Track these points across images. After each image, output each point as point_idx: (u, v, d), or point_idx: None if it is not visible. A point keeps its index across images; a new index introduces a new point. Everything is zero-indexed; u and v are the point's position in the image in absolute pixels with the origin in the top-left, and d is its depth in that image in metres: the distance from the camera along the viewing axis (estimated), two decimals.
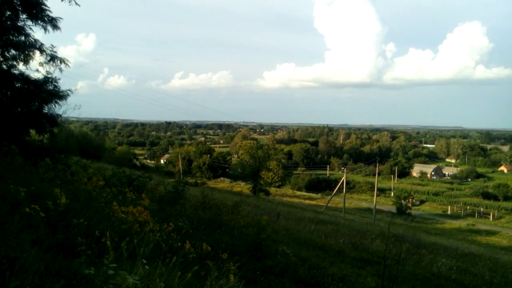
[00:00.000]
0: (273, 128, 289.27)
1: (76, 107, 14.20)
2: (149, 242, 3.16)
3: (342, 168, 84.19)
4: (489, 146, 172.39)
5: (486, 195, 76.95)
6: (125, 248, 2.93)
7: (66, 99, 10.41)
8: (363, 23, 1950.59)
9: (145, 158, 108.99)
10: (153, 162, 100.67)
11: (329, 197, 55.82)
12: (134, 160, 67.42)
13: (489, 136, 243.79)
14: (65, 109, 11.40)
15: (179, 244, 4.49)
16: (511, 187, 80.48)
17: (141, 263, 2.78)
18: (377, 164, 54.71)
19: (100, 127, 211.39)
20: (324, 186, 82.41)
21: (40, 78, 9.95)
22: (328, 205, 52.03)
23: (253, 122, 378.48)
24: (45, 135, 10.98)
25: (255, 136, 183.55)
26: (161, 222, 5.08)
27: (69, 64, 10.35)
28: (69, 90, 10.39)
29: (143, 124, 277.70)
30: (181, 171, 71.69)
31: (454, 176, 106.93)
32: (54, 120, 10.33)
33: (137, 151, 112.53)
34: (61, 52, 10.26)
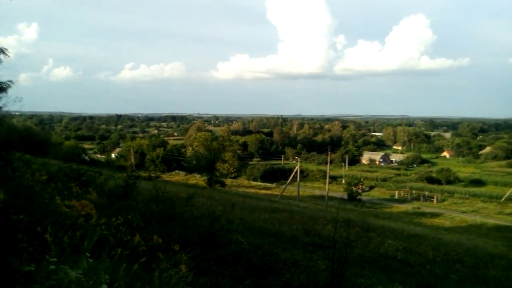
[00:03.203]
0: (228, 120, 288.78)
1: (17, 100, 13.41)
2: (93, 236, 3.08)
3: (296, 157, 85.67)
4: (432, 133, 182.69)
5: (430, 180, 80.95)
6: (68, 242, 2.84)
7: (6, 91, 9.78)
8: (314, 15, 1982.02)
9: (95, 153, 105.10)
10: (103, 156, 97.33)
11: (284, 186, 56.80)
12: (83, 155, 64.83)
13: (433, 123, 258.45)
14: (5, 102, 10.74)
15: (129, 237, 4.41)
16: (453, 172, 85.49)
17: (85, 257, 2.71)
18: (329, 152, 56.17)
19: (46, 121, 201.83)
20: (279, 175, 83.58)
21: None
22: (283, 194, 52.98)
23: (208, 114, 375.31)
24: None
25: (210, 127, 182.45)
26: (110, 216, 4.95)
27: (8, 53, 9.69)
28: (9, 81, 9.77)
29: (91, 117, 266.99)
30: (133, 165, 69.81)
31: (400, 163, 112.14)
32: None
33: (86, 145, 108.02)
34: (0, 42, 9.61)
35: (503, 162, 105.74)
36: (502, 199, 65.38)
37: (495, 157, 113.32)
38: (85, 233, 3.24)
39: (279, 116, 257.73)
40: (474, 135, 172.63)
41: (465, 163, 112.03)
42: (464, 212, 56.89)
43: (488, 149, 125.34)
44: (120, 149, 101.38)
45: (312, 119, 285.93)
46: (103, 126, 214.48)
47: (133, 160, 72.44)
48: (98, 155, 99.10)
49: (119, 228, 4.63)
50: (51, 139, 56.86)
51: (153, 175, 55.68)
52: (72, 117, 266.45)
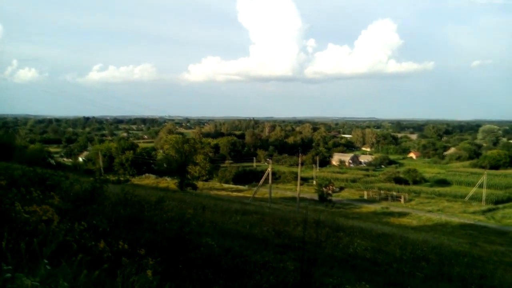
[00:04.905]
0: (199, 122, 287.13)
1: None
2: (53, 241, 2.98)
3: (268, 159, 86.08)
4: (399, 135, 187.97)
5: (398, 180, 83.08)
6: (25, 249, 2.74)
7: None
8: (285, 18, 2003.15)
9: (61, 156, 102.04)
10: (70, 160, 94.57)
11: (256, 188, 56.88)
12: (49, 158, 62.78)
13: (400, 125, 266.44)
14: None
15: (93, 243, 4.29)
16: (419, 172, 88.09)
17: (43, 264, 2.61)
18: (300, 154, 56.72)
19: (9, 124, 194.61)
20: (251, 177, 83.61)
21: None
22: (255, 196, 53.07)
23: (179, 116, 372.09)
24: None
25: (181, 130, 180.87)
26: (74, 221, 4.80)
27: None
28: None
29: (58, 120, 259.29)
30: (101, 169, 68.14)
31: (369, 164, 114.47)
32: None
33: (52, 149, 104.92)
34: None
35: (467, 163, 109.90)
36: (466, 198, 67.94)
37: (459, 158, 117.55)
38: (44, 239, 3.13)
39: (251, 118, 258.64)
40: (439, 136, 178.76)
41: (430, 163, 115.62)
42: (430, 211, 58.68)
43: (452, 150, 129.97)
44: (87, 152, 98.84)
45: (283, 121, 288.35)
46: (70, 129, 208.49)
47: (101, 163, 70.80)
48: (65, 159, 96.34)
49: (83, 233, 4.49)
50: (15, 143, 54.80)
51: (122, 178, 54.44)
52: (37, 119, 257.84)
